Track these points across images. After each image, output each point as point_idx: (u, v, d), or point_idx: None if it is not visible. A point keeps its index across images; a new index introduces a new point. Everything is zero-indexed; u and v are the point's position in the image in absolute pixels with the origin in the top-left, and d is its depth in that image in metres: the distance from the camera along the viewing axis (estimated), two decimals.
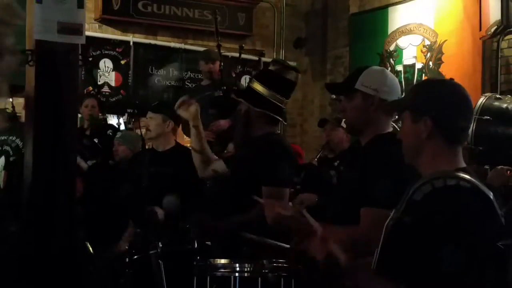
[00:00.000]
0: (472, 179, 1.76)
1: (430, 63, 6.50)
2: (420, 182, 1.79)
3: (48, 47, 2.59)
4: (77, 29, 2.61)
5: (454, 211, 1.68)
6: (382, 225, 1.91)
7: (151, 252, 3.37)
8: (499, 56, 5.84)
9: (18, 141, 4.08)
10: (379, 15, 7.09)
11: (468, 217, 1.68)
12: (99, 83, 6.87)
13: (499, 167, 3.61)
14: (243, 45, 5.82)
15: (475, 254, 1.66)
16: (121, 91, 7.12)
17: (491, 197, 1.75)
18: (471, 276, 1.66)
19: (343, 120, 5.38)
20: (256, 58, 6.54)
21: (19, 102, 5.40)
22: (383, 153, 2.41)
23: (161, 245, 3.35)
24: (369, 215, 2.29)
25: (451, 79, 2.05)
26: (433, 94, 1.90)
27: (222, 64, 5.28)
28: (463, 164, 1.87)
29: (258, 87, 3.21)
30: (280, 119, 3.24)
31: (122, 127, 7.03)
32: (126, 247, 3.71)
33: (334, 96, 7.12)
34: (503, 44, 5.86)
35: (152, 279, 3.34)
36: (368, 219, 2.28)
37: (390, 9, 6.96)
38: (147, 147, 5.12)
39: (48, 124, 2.62)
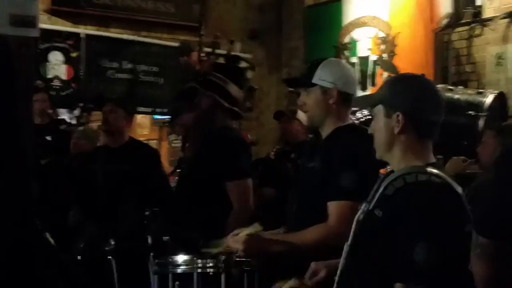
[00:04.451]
0: (443, 174, 1.79)
1: (384, 55, 6.57)
2: (392, 177, 1.81)
3: (0, 40, 2.49)
4: (31, 22, 2.51)
5: (425, 206, 1.70)
6: (352, 217, 1.93)
7: (105, 249, 3.32)
8: (450, 48, 5.97)
9: None
10: (334, 7, 7.13)
11: (438, 212, 1.70)
12: (49, 76, 6.70)
13: (456, 157, 3.69)
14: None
15: (446, 248, 1.68)
16: (73, 84, 6.95)
17: (460, 192, 1.78)
18: (440, 270, 1.68)
19: (298, 112, 5.43)
20: (209, 50, 6.49)
21: None
22: (346, 145, 2.44)
23: (113, 242, 3.31)
24: (338, 208, 2.30)
25: (423, 75, 2.07)
26: (406, 89, 1.91)
27: (201, 55, 5.23)
28: (433, 159, 1.89)
29: (217, 80, 3.21)
30: (240, 111, 3.25)
31: (74, 121, 6.90)
32: (81, 246, 3.64)
33: (291, 88, 7.15)
34: (454, 36, 6.00)
35: (105, 276, 3.29)
36: (337, 213, 2.29)
37: (344, 1, 7.00)
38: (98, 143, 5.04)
39: (2, 122, 2.53)
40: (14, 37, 2.50)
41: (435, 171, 1.79)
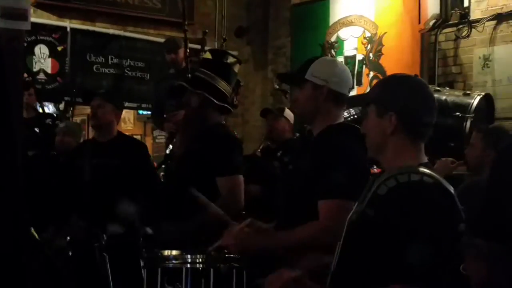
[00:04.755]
0: (435, 175, 1.79)
1: (371, 54, 6.61)
2: (384, 176, 1.80)
3: None
4: (22, 14, 2.48)
5: (418, 206, 1.71)
6: (343, 215, 1.93)
7: (95, 244, 3.31)
8: (437, 49, 6.01)
9: None
10: (321, 6, 7.15)
11: (431, 211, 1.71)
12: (34, 70, 6.64)
13: (444, 158, 3.72)
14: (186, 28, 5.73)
15: (438, 249, 1.69)
16: (58, 78, 6.90)
17: (452, 192, 1.78)
18: (433, 270, 1.69)
19: (285, 110, 5.45)
20: (198, 46, 6.47)
21: None
22: (336, 144, 2.43)
23: (105, 238, 3.30)
24: (329, 206, 2.29)
25: (416, 76, 2.08)
26: (399, 90, 1.91)
27: (188, 52, 5.23)
28: (425, 159, 1.89)
29: (206, 76, 3.20)
30: (230, 107, 3.25)
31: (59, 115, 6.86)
32: (67, 239, 3.61)
33: (277, 86, 7.17)
34: (441, 37, 6.03)
35: (97, 271, 3.27)
36: (327, 211, 2.29)
37: (331, 0, 7.03)
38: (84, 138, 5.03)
39: None
40: (5, 30, 2.47)
41: (427, 171, 1.78)
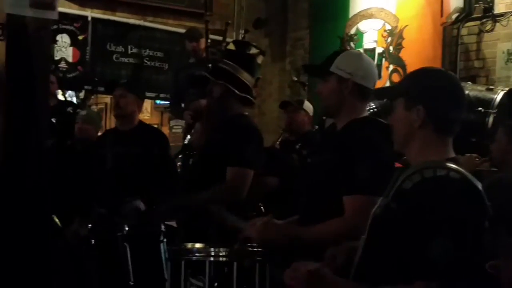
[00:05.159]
0: (462, 170, 1.76)
1: (391, 48, 6.55)
2: (410, 171, 1.78)
3: (20, 22, 2.47)
4: (50, 4, 2.49)
5: (443, 202, 1.68)
6: (369, 211, 1.91)
7: (117, 234, 3.33)
8: (459, 43, 5.93)
9: None
10: None
11: (457, 208, 1.68)
12: (56, 58, 6.68)
13: (469, 154, 3.69)
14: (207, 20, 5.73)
15: (464, 245, 1.66)
16: (79, 67, 6.95)
17: (480, 188, 1.75)
18: (458, 267, 1.67)
19: (305, 102, 5.43)
20: (218, 37, 6.47)
21: None
22: (361, 139, 2.40)
23: (127, 228, 3.32)
24: (354, 203, 2.28)
25: (446, 70, 2.05)
26: (428, 83, 1.88)
27: (209, 42, 5.26)
28: (453, 154, 1.86)
29: (228, 67, 3.20)
30: (252, 99, 3.24)
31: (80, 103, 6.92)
32: (88, 227, 3.64)
33: (295, 78, 7.14)
34: (463, 31, 5.95)
35: (118, 261, 3.30)
36: (353, 207, 2.27)
37: None
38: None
39: (20, 101, 2.52)
40: (34, 19, 2.48)
41: (454, 166, 1.75)
